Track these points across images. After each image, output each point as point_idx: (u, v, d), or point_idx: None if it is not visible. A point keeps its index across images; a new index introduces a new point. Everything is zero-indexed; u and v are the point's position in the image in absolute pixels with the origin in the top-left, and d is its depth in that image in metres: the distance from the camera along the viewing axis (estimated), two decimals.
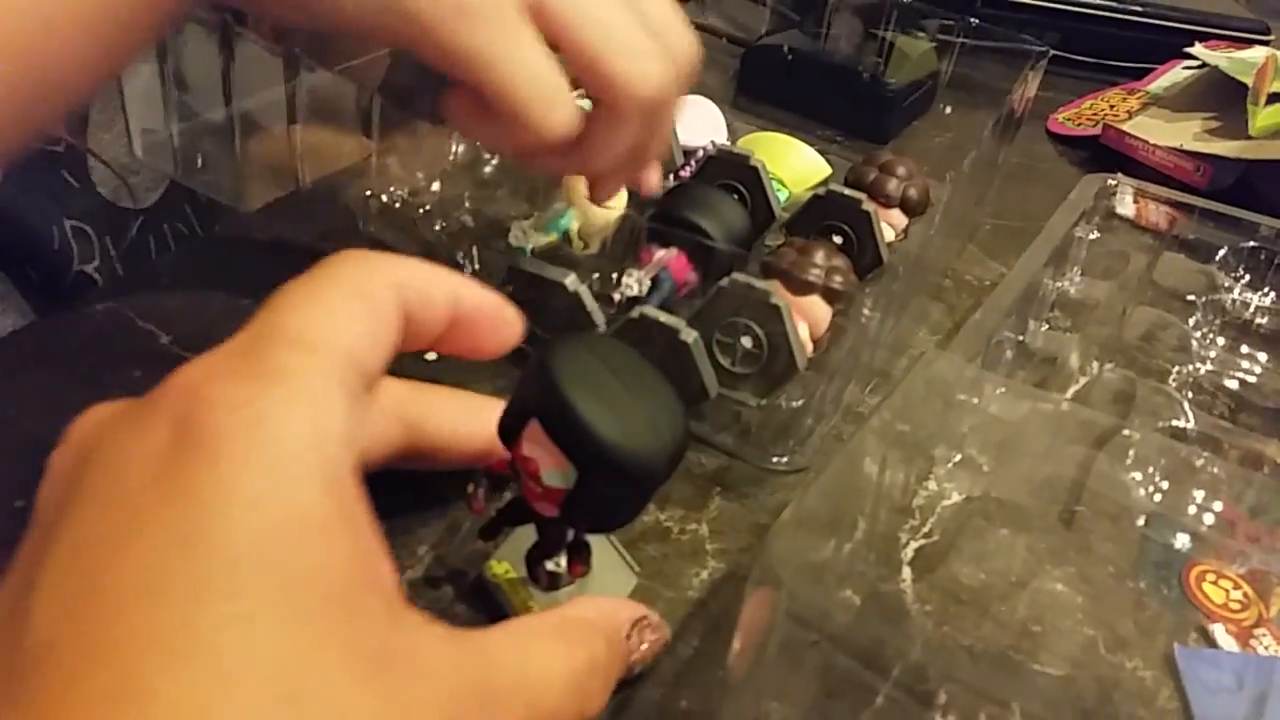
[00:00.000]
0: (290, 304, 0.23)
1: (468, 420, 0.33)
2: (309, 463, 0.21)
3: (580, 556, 0.31)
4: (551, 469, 0.28)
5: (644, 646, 0.30)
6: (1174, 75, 0.78)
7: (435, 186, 0.52)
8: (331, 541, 0.20)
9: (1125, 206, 0.55)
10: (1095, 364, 0.43)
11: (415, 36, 0.31)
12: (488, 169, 0.55)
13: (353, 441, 0.22)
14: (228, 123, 0.49)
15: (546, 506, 0.29)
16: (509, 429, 0.29)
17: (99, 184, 0.56)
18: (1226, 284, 0.46)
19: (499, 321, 0.28)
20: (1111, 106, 0.75)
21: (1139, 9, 0.86)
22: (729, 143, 0.56)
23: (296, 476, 0.20)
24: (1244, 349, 0.44)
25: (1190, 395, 0.42)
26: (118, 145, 0.55)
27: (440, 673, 0.21)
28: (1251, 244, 0.46)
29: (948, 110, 0.69)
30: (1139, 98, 0.76)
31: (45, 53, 0.28)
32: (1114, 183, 0.49)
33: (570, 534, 0.31)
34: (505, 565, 0.33)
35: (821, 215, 0.47)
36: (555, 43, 0.33)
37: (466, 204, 0.50)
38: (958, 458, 0.39)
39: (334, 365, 0.22)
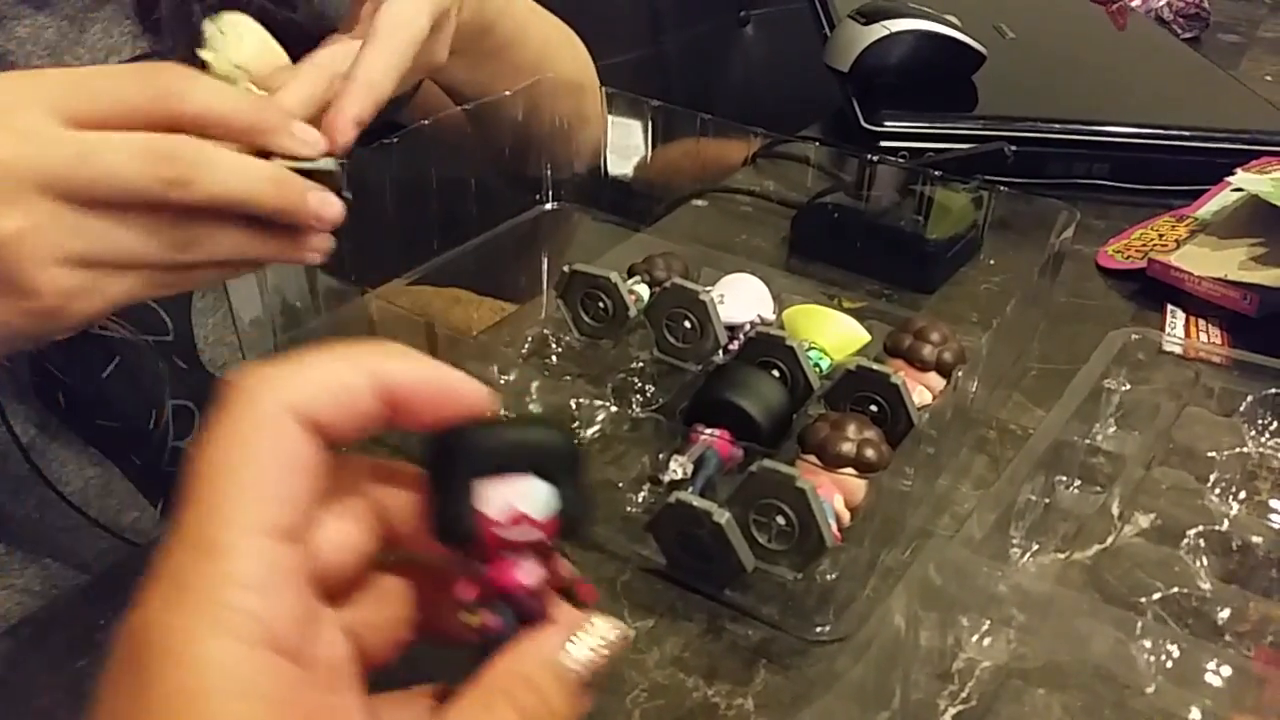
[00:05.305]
0: (192, 500, 0.24)
1: None
2: (222, 682, 0.22)
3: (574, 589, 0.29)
4: (532, 497, 0.27)
5: (593, 658, 0.27)
6: (1223, 198, 0.80)
7: (512, 376, 0.57)
8: None
9: (1172, 344, 0.57)
10: (1120, 522, 0.45)
11: None
12: (553, 358, 0.60)
13: (277, 631, 0.23)
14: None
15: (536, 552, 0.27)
16: (459, 516, 0.26)
17: (209, 364, 0.63)
18: (1252, 434, 0.47)
19: (447, 389, 0.27)
20: (1160, 235, 0.77)
21: (1186, 133, 0.88)
22: (775, 314, 0.61)
23: (210, 696, 0.22)
24: (1272, 502, 0.45)
25: (1208, 551, 0.43)
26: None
27: None
28: (1274, 391, 0.48)
29: (991, 262, 0.72)
30: (1187, 225, 0.77)
31: None
32: (1137, 337, 0.51)
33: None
34: None
35: (855, 388, 0.51)
36: None
37: (534, 394, 0.55)
38: (987, 625, 0.41)
39: (240, 564, 0.23)
